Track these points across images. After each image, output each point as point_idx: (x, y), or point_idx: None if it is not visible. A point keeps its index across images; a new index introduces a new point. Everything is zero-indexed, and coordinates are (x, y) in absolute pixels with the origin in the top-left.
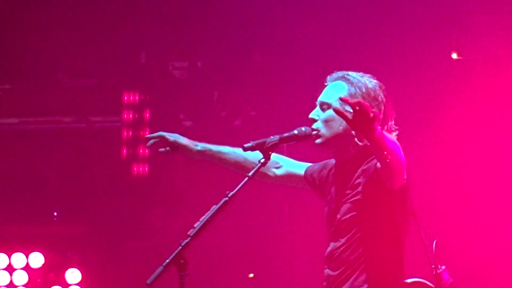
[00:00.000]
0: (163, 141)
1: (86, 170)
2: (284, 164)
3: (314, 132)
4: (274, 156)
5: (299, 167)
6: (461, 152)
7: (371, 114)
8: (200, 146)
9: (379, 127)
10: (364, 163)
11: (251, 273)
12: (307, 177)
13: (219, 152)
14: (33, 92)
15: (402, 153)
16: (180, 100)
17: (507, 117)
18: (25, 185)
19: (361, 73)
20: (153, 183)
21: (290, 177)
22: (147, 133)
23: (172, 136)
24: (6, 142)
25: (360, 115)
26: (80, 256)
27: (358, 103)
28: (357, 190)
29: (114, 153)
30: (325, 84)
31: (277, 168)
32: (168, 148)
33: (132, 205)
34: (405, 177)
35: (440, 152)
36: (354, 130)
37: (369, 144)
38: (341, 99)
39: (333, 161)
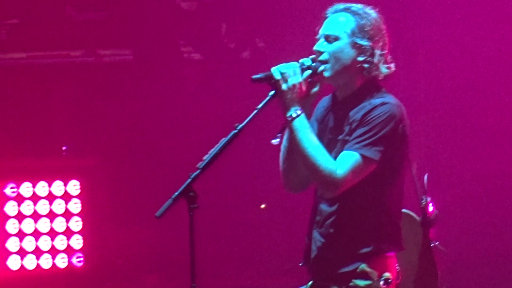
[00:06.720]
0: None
1: (94, 104)
2: None
3: (323, 66)
4: None
5: None
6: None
7: None
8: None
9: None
10: (368, 111)
11: (263, 204)
12: None
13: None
14: (41, 26)
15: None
16: (188, 33)
17: None
18: (33, 120)
19: (362, 5)
20: (161, 116)
21: None
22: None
23: None
24: (14, 77)
25: None
26: (86, 187)
27: None
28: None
29: (123, 87)
30: (326, 16)
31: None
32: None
33: (140, 139)
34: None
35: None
36: None
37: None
38: None
39: (325, 99)
